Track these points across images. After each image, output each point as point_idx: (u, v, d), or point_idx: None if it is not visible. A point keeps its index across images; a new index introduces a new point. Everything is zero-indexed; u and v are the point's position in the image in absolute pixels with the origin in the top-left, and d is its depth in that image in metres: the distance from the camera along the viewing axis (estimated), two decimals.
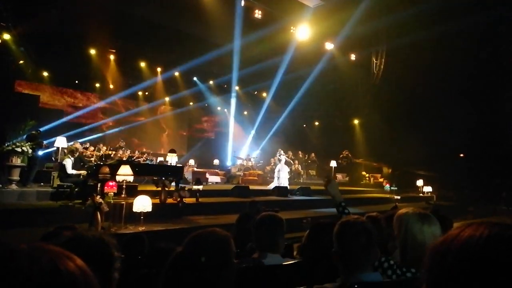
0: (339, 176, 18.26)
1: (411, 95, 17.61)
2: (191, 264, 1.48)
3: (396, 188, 16.29)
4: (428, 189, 16.55)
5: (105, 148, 13.61)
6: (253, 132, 21.89)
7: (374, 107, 19.00)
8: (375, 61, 17.30)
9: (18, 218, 6.50)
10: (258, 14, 13.39)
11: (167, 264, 1.48)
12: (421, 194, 16.40)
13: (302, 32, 14.71)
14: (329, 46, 16.16)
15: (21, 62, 14.16)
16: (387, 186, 17.09)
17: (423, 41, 14.85)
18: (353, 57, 17.32)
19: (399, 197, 13.26)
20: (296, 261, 2.49)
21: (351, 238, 1.74)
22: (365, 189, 17.49)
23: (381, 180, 18.84)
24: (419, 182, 16.76)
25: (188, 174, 14.18)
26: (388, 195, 14.96)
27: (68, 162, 8.75)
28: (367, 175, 19.70)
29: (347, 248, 1.74)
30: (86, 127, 17.84)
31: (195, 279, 1.45)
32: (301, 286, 1.82)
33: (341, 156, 19.54)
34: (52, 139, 10.46)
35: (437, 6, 13.76)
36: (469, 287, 0.56)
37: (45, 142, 9.88)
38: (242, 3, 12.93)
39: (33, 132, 9.02)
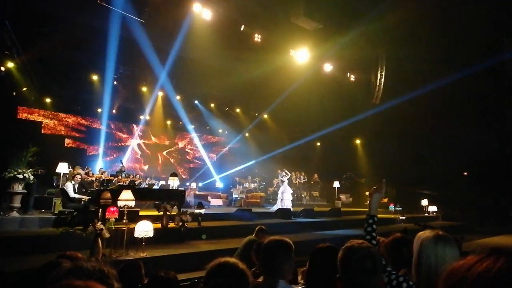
0: (342, 197, 18.10)
1: (412, 114, 17.66)
2: None
3: (400, 208, 16.13)
4: (433, 208, 16.37)
5: (106, 173, 13.57)
6: (256, 157, 21.88)
7: (376, 127, 19.03)
8: (374, 81, 17.45)
9: (19, 245, 6.43)
10: (257, 38, 13.61)
11: None
12: (426, 214, 16.20)
13: (301, 54, 14.91)
14: (329, 67, 16.35)
15: (24, 89, 14.33)
16: (391, 207, 16.91)
17: (423, 60, 15.01)
18: (352, 77, 17.49)
19: (404, 217, 13.10)
20: (301, 287, 2.43)
21: (355, 263, 1.69)
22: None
23: (385, 200, 18.64)
24: (424, 202, 16.59)
25: (190, 198, 14.09)
26: (392, 216, 14.79)
27: (69, 186, 8.71)
28: None
29: (351, 273, 1.69)
30: (87, 153, 17.90)
31: None
32: None
33: (344, 176, 19.43)
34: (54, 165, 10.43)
35: (436, 25, 13.99)
36: None
37: (41, 168, 9.83)
38: (242, 28, 13.17)
39: (29, 158, 8.98)
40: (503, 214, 15.77)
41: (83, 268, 1.20)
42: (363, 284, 1.66)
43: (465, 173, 19.23)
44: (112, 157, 18.72)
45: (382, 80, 17.06)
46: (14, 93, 14.43)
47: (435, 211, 16.43)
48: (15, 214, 8.06)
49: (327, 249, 2.84)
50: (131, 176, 14.30)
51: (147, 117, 19.56)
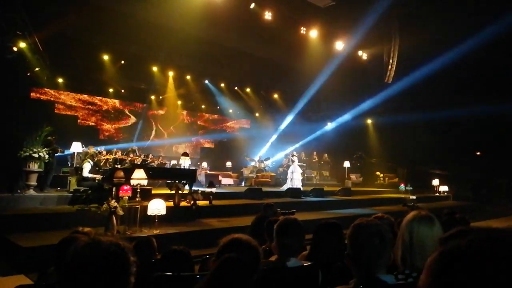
0: (353, 177, 18.10)
1: (425, 91, 17.36)
2: (242, 266, 1.64)
3: (411, 188, 16.07)
4: (444, 188, 16.28)
5: (120, 152, 13.76)
6: (274, 137, 21.87)
7: (387, 106, 18.78)
8: (387, 59, 17.11)
9: (36, 222, 6.64)
10: (268, 15, 13.38)
11: (219, 265, 1.66)
12: (437, 194, 16.15)
13: (312, 32, 14.68)
14: (340, 45, 16.07)
15: (37, 69, 14.45)
16: (402, 186, 16.85)
17: (437, 38, 14.62)
18: (365, 56, 17.18)
19: (414, 197, 13.08)
20: (312, 262, 2.51)
21: (364, 240, 1.71)
22: (380, 189, 17.31)
23: (395, 180, 18.62)
24: (435, 182, 16.50)
25: (201, 177, 14.26)
26: (403, 195, 14.76)
27: (87, 166, 8.89)
28: (381, 175, 19.48)
29: (360, 250, 1.71)
30: (100, 132, 18.12)
31: (241, 281, 1.63)
32: None
33: (354, 156, 19.37)
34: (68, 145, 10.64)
35: (451, 3, 13.58)
36: None
37: (60, 147, 10.08)
38: (252, 5, 12.95)
39: (48, 137, 9.19)
40: (510, 195, 15.58)
41: (101, 242, 1.25)
42: (371, 261, 1.69)
43: (478, 153, 18.99)
44: (124, 137, 18.93)
45: (395, 58, 16.72)
46: (28, 74, 14.57)
47: (446, 191, 16.35)
48: (31, 192, 8.30)
49: (330, 225, 2.92)
50: (143, 155, 14.50)
51: (159, 97, 19.63)
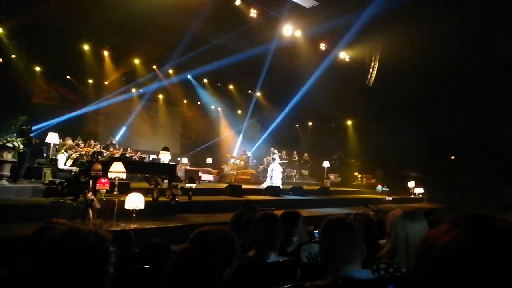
0: (331, 177, 18.33)
1: (404, 95, 17.73)
2: (197, 260, 1.48)
3: (387, 189, 16.41)
4: (419, 190, 16.69)
5: (99, 145, 13.48)
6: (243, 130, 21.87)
7: (368, 108, 19.09)
8: (369, 62, 17.39)
9: (8, 214, 6.42)
10: (253, 13, 13.37)
11: (172, 259, 1.49)
12: (412, 196, 16.53)
13: (296, 32, 14.76)
14: (323, 46, 16.22)
15: (13, 56, 13.98)
16: (378, 187, 17.21)
17: (417, 42, 14.96)
18: (347, 58, 17.40)
19: (390, 198, 13.37)
20: (291, 258, 2.53)
21: (333, 233, 1.77)
22: (357, 189, 17.59)
23: (373, 181, 18.97)
24: (411, 184, 16.89)
25: (180, 172, 14.14)
26: (379, 196, 15.06)
27: (62, 158, 8.69)
28: (359, 175, 19.81)
29: (330, 243, 1.77)
30: (77, 123, 17.66)
31: (198, 276, 1.44)
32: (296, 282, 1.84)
33: (334, 156, 19.61)
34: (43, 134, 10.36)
35: (433, 7, 13.91)
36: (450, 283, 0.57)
37: (35, 137, 9.79)
38: (238, 2, 12.91)
39: (23, 127, 8.92)
40: (483, 199, 16.08)
41: (79, 231, 1.23)
42: (342, 253, 1.72)
43: (453, 157, 19.54)
44: (102, 129, 18.54)
45: (377, 62, 17.02)
46: (1, 60, 14.08)
47: (421, 193, 16.76)
48: (4, 182, 8.03)
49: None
50: (122, 149, 14.27)
51: (140, 89, 19.31)
